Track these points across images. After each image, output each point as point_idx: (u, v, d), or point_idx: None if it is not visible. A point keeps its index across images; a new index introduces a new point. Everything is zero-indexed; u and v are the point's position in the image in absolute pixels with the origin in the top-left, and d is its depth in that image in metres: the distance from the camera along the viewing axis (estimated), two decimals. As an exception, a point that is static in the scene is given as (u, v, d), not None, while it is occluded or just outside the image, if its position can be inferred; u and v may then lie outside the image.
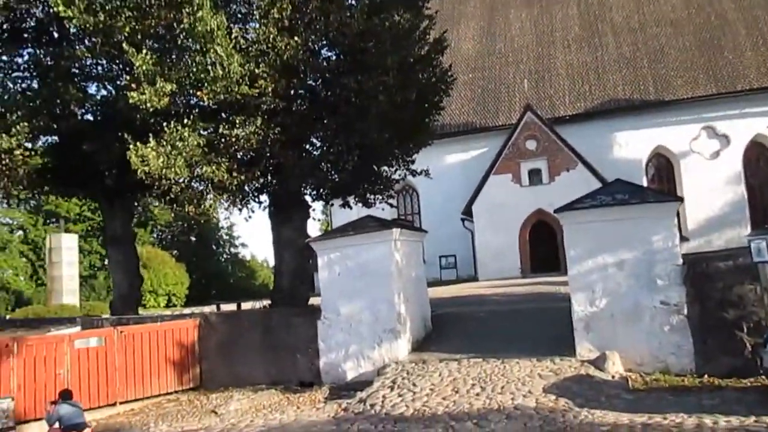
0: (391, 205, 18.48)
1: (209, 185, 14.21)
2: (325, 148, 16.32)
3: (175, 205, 16.41)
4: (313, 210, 17.30)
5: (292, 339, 13.86)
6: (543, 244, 26.34)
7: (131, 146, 13.12)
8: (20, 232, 51.22)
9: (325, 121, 15.02)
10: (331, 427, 9.00)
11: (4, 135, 15.35)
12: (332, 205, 21.34)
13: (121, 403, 13.37)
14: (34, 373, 12.16)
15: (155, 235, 51.98)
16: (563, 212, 11.65)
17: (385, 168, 17.53)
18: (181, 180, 13.64)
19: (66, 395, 10.49)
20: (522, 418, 8.01)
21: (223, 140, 13.49)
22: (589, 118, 30.63)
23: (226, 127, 13.30)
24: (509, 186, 27.59)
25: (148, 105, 12.99)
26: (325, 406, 10.76)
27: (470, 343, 12.46)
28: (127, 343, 13.68)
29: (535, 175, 27.56)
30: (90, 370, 13.01)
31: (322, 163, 16.22)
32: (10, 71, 17.55)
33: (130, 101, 13.18)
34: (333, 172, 16.43)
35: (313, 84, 15.27)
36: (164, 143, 13.26)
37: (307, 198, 17.53)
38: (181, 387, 14.36)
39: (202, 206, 14.36)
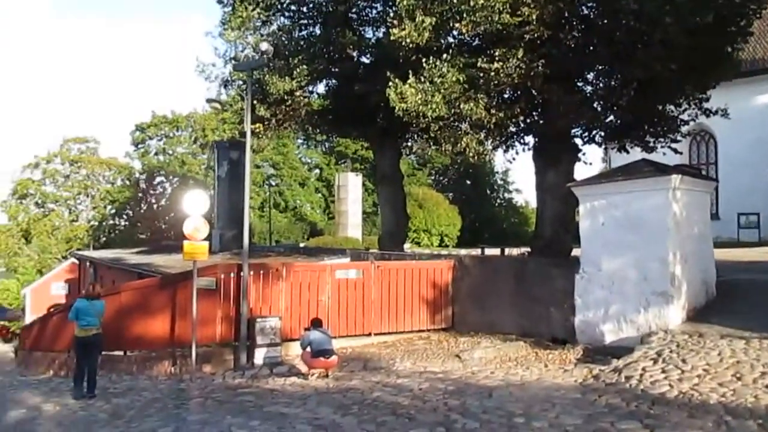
0: (676, 151, 15.87)
1: (467, 123, 13.61)
2: (597, 82, 14.53)
3: (432, 144, 16.31)
4: (584, 154, 15.66)
5: (546, 291, 12.84)
6: None
7: (390, 83, 13.07)
8: (317, 171, 57.40)
9: (598, 52, 13.22)
10: (575, 394, 7.95)
11: (287, 78, 16.59)
12: (613, 149, 19.33)
13: (375, 334, 13.85)
14: (300, 297, 13.14)
15: (432, 177, 53.88)
16: None
17: (671, 107, 15.02)
18: (438, 117, 13.24)
19: (317, 323, 11.07)
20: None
21: (482, 75, 12.68)
22: None
23: (486, 60, 12.44)
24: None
25: (408, 41, 12.78)
26: (575, 368, 9.67)
27: (766, 320, 10.10)
28: (383, 277, 14.03)
29: None
30: (348, 299, 13.65)
31: (594, 100, 14.49)
32: (297, 19, 18.83)
33: (392, 38, 13.13)
34: (606, 111, 14.61)
35: (585, 8, 13.50)
36: (423, 80, 12.97)
37: (578, 141, 15.96)
38: (432, 326, 14.40)
39: (459, 145, 13.83)
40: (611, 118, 14.79)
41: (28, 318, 35.55)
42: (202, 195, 12.33)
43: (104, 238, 48.71)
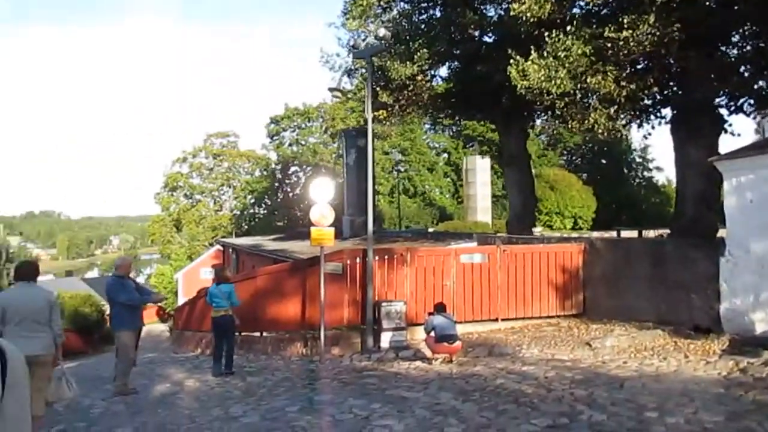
0: None
1: (594, 98, 12.90)
2: (744, 44, 13.18)
3: (558, 122, 15.64)
4: (730, 125, 14.31)
5: (687, 275, 11.88)
6: None
7: (512, 61, 12.66)
8: (445, 155, 57.23)
9: (744, 9, 11.96)
10: (717, 389, 7.30)
11: (407, 62, 16.60)
12: (765, 117, 17.60)
13: (502, 319, 13.57)
14: (424, 282, 13.14)
15: (564, 158, 51.94)
16: None
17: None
18: (563, 93, 12.64)
19: (441, 307, 11.00)
20: None
21: (610, 46, 11.92)
22: None
23: (614, 29, 11.66)
24: None
25: (529, 15, 12.30)
26: (718, 360, 8.88)
27: None
28: (510, 262, 13.69)
29: None
30: (474, 284, 13.46)
31: (740, 65, 13.18)
32: (416, 2, 18.75)
33: (512, 13, 12.70)
34: (756, 76, 13.25)
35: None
36: (546, 55, 12.44)
37: (722, 111, 14.61)
38: (562, 312, 13.87)
39: (587, 122, 13.14)
40: (761, 83, 13.39)
41: (180, 300, 38.70)
42: (327, 182, 12.64)
43: (245, 226, 51.77)
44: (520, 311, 13.70)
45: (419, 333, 12.20)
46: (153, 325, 36.62)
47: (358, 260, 12.87)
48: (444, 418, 6.71)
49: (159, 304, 41.28)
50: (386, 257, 13.05)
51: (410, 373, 9.86)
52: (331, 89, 12.82)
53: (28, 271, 6.43)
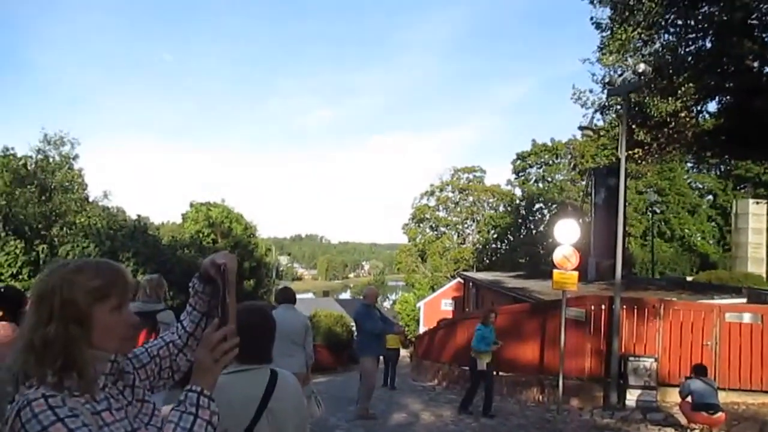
0: None
1: None
2: None
3: None
4: None
5: None
6: None
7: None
8: (709, 197, 51.70)
9: None
10: None
11: (670, 98, 15.37)
12: None
13: (777, 392, 11.65)
14: (680, 339, 11.85)
15: None
16: None
17: None
18: None
19: (700, 370, 9.76)
20: None
21: None
22: None
23: None
24: None
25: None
26: None
27: None
28: (790, 325, 11.74)
29: None
30: (742, 347, 11.77)
31: None
32: (683, 34, 17.34)
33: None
34: None
35: None
36: None
37: None
38: None
39: None
40: None
41: (421, 329, 40.11)
42: (573, 224, 12.15)
43: (487, 261, 52.12)
44: (802, 385, 11.63)
45: (671, 395, 11.00)
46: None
47: (603, 307, 12.11)
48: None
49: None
50: (635, 307, 12.08)
51: (659, 440, 8.91)
52: (581, 127, 12.34)
53: (289, 295, 7.18)
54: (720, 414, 9.28)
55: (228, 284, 1.75)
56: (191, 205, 30.43)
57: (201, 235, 26.48)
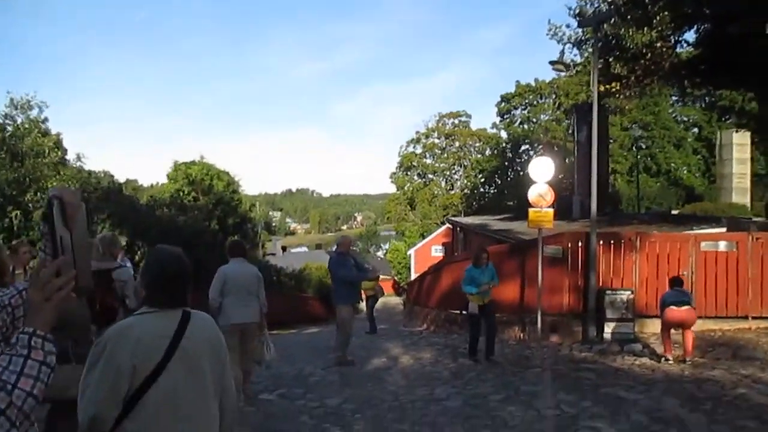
0: None
1: None
2: None
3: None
4: None
5: None
6: None
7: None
8: (695, 130, 51.57)
9: None
10: None
11: (645, 28, 15.02)
12: None
13: (753, 317, 11.75)
14: (657, 270, 11.88)
15: None
16: None
17: None
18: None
19: (675, 281, 9.64)
20: None
21: None
22: None
23: None
24: None
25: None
26: None
27: None
28: (765, 252, 11.77)
29: None
30: (718, 276, 11.84)
31: None
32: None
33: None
34: None
35: None
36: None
37: None
38: (833, 313, 11.59)
39: None
40: None
41: (412, 275, 40.38)
42: (547, 161, 11.99)
43: (475, 205, 52.17)
44: (777, 309, 11.75)
45: (648, 326, 11.11)
46: (390, 298, 38.73)
47: (580, 244, 12.09)
48: (664, 427, 5.96)
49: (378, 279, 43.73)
50: (612, 242, 12.07)
51: (633, 370, 8.98)
52: (552, 62, 12.02)
53: (240, 249, 7.27)
54: (687, 307, 9.22)
55: (68, 219, 1.62)
56: (175, 164, 30.05)
57: (181, 193, 26.25)
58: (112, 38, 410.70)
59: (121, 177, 36.01)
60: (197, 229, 22.44)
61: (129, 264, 5.98)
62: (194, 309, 2.60)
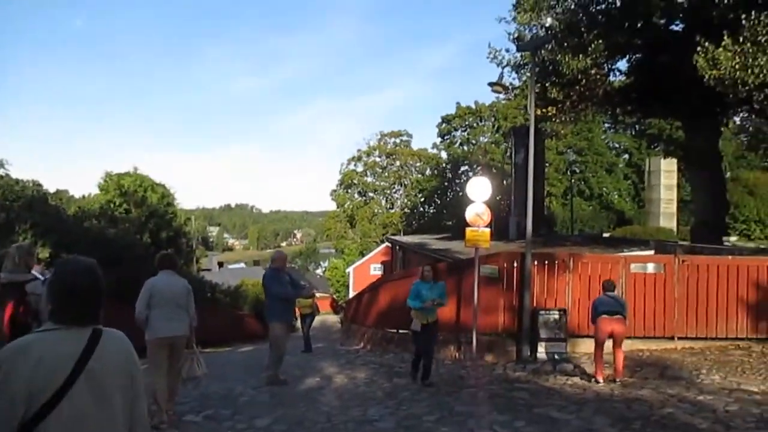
0: None
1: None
2: None
3: (757, 118, 13.62)
4: None
5: None
6: None
7: (699, 48, 11.23)
8: (626, 156, 53.58)
9: None
10: None
11: (581, 55, 15.51)
12: None
13: (679, 338, 12.13)
14: (588, 290, 12.11)
15: (768, 160, 46.12)
16: None
17: None
18: (763, 84, 10.97)
19: (608, 285, 9.67)
20: None
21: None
22: None
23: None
24: None
25: (724, -5, 10.84)
26: None
27: None
28: (690, 274, 12.19)
29: None
30: (646, 297, 12.17)
31: None
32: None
33: (701, -6, 11.29)
34: None
35: None
36: (743, 41, 10.87)
37: None
38: (755, 335, 12.07)
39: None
40: None
41: (351, 294, 40.11)
42: (485, 182, 12.13)
43: (415, 224, 52.50)
44: (702, 330, 12.14)
45: (580, 346, 11.28)
46: (327, 316, 38.32)
47: (515, 264, 12.21)
48: (595, 447, 5.97)
49: (313, 297, 43.35)
50: (546, 262, 12.25)
51: (565, 390, 9.06)
52: (491, 84, 12.22)
53: (170, 261, 6.99)
54: (619, 316, 9.29)
55: None
56: (106, 175, 29.00)
57: (112, 205, 25.31)
58: (47, 45, 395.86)
59: (51, 187, 34.47)
60: (128, 242, 21.66)
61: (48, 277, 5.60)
62: (122, 325, 2.37)
